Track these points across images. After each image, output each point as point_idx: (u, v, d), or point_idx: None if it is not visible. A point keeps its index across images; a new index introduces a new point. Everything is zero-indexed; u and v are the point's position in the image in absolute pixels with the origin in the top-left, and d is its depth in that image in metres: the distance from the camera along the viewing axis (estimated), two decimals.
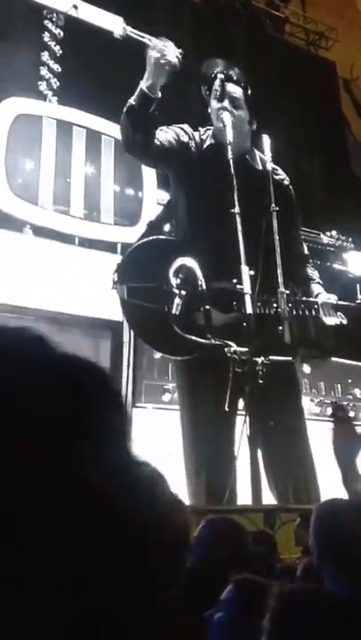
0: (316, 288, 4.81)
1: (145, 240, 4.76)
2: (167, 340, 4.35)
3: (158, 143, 4.47)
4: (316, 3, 8.47)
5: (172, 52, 4.41)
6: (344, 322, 4.58)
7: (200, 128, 4.85)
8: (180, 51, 5.56)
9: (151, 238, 4.76)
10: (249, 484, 4.09)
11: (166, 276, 4.32)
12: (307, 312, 4.51)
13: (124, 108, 4.45)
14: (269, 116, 6.62)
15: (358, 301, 4.73)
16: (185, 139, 4.66)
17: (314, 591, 1.51)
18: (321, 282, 4.92)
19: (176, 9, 7.12)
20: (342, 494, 4.37)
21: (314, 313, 4.55)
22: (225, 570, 1.85)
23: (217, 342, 4.26)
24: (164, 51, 4.35)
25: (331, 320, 4.57)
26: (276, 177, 4.83)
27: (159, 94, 4.36)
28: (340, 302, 4.65)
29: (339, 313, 4.59)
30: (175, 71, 4.39)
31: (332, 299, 4.65)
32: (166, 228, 4.96)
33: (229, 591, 1.72)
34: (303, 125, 7.51)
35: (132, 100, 4.39)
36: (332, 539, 1.81)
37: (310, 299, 4.62)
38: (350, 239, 5.77)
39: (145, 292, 4.34)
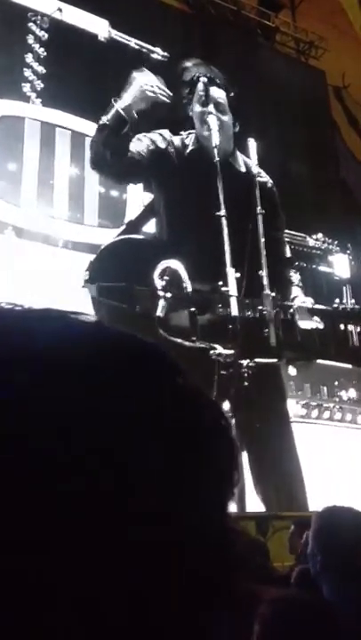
0: (295, 291, 4.81)
1: (117, 239, 4.76)
2: None
3: (129, 158, 4.48)
4: (306, 12, 8.54)
5: (162, 87, 4.45)
6: (320, 326, 4.59)
7: (182, 132, 4.85)
8: (166, 53, 5.60)
9: (123, 237, 4.76)
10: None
11: (148, 276, 4.30)
12: (282, 316, 4.51)
13: (97, 126, 4.47)
14: (260, 124, 6.67)
15: (335, 305, 4.74)
16: (163, 145, 4.66)
17: (305, 599, 1.50)
18: (301, 285, 4.93)
19: (167, 18, 7.14)
20: (329, 495, 4.34)
21: (289, 317, 4.55)
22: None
23: (202, 345, 4.24)
24: (154, 83, 4.40)
25: (306, 324, 4.58)
26: (261, 179, 4.84)
27: (135, 116, 4.37)
28: (316, 306, 4.66)
29: (315, 317, 4.60)
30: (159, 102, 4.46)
31: (308, 302, 4.66)
32: (145, 228, 4.96)
33: None
34: (293, 132, 7.57)
35: (105, 119, 4.40)
36: (336, 547, 1.78)
37: (286, 302, 4.63)
38: (336, 242, 5.79)
39: (116, 291, 4.33)
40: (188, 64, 5.09)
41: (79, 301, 4.53)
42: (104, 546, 0.33)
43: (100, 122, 4.40)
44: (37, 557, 0.32)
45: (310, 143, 7.76)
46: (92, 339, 0.38)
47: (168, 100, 4.55)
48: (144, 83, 4.39)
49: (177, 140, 4.77)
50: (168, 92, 4.50)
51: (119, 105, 4.32)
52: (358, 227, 7.12)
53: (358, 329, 5.18)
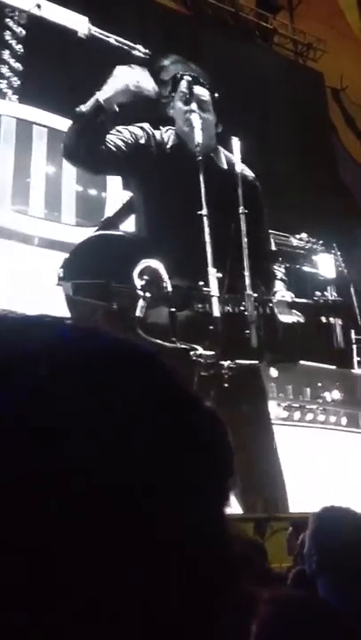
0: (277, 285, 4.75)
1: (92, 235, 4.67)
2: None
3: (106, 148, 4.39)
4: (304, 14, 8.60)
5: (148, 83, 4.38)
6: (301, 320, 4.54)
7: (161, 127, 4.78)
8: (147, 51, 5.52)
9: (99, 233, 4.67)
10: None
11: (126, 274, 4.21)
12: (261, 310, 4.44)
13: (72, 115, 4.38)
14: (258, 126, 6.67)
15: (315, 298, 4.68)
16: (143, 139, 4.58)
17: (304, 598, 1.48)
18: (285, 279, 4.87)
19: (164, 19, 7.13)
20: (313, 498, 4.29)
21: (269, 311, 4.49)
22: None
23: (182, 345, 4.15)
24: (140, 78, 4.33)
25: (286, 318, 4.52)
26: (244, 174, 4.77)
27: (115, 108, 4.29)
28: (296, 300, 4.61)
29: (294, 311, 4.55)
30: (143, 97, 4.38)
31: (288, 296, 4.60)
32: (123, 226, 4.87)
33: None
34: (291, 134, 7.59)
35: (82, 108, 4.32)
36: (332, 547, 1.79)
37: (265, 297, 4.57)
38: (320, 241, 5.78)
39: (92, 288, 4.24)
40: (166, 62, 5.03)
41: (55, 300, 4.43)
42: (104, 546, 0.33)
43: (77, 110, 4.30)
44: (37, 558, 0.32)
45: (308, 144, 7.79)
46: (87, 342, 0.39)
47: (153, 96, 4.47)
48: (129, 76, 4.31)
49: (158, 135, 4.69)
50: (155, 86, 4.41)
51: (100, 95, 4.23)
52: (357, 227, 7.15)
53: (339, 328, 5.14)
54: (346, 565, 1.74)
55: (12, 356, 0.36)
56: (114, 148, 4.42)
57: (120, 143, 4.46)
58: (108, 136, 4.40)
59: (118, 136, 4.46)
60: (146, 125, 4.67)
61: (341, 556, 1.75)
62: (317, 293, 4.77)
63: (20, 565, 0.32)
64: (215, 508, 0.39)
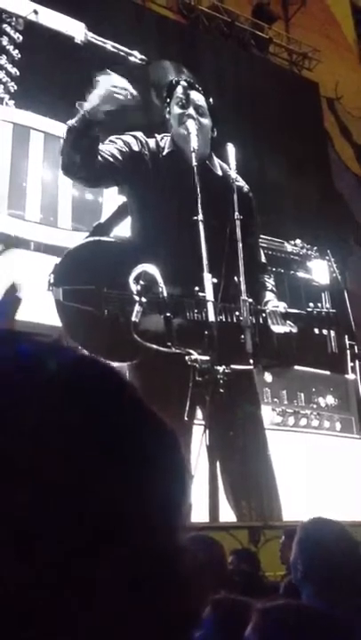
0: (268, 295, 4.77)
1: (84, 241, 4.67)
2: (103, 344, 4.23)
3: (102, 159, 4.40)
4: (299, 24, 8.66)
5: (127, 90, 4.39)
6: (294, 330, 4.55)
7: (156, 135, 4.79)
8: (143, 56, 5.55)
9: (91, 239, 4.68)
10: (207, 498, 3.95)
11: (119, 280, 4.22)
12: (250, 317, 4.46)
13: (65, 130, 4.40)
14: (253, 135, 6.69)
15: (309, 309, 4.70)
16: (137, 148, 4.60)
17: (299, 607, 1.49)
18: (275, 290, 4.89)
19: (160, 28, 7.16)
20: (306, 504, 4.30)
21: (262, 321, 4.50)
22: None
23: (178, 350, 4.15)
24: (119, 84, 4.34)
25: (279, 328, 4.53)
26: (238, 184, 4.80)
27: (101, 116, 4.31)
28: (289, 310, 4.62)
29: (288, 322, 4.56)
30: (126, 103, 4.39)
31: (281, 307, 4.61)
32: (116, 231, 4.88)
33: (207, 611, 1.65)
34: (286, 142, 7.62)
35: (72, 122, 4.33)
36: (317, 558, 1.79)
37: (259, 307, 4.58)
38: (315, 248, 5.79)
39: (82, 294, 4.24)
40: (161, 68, 5.06)
41: (51, 305, 4.44)
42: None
43: (68, 124, 4.33)
44: None
45: (303, 153, 7.83)
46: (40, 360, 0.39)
47: (133, 101, 4.47)
48: (108, 84, 4.32)
49: (152, 143, 4.71)
50: (134, 92, 4.42)
51: (85, 107, 4.25)
52: (351, 236, 7.18)
53: (333, 334, 5.15)
54: (330, 575, 1.74)
55: None
56: (110, 159, 4.43)
57: (115, 152, 4.47)
58: (102, 147, 4.41)
59: (112, 146, 4.48)
60: (139, 134, 4.69)
61: (326, 566, 1.75)
62: (311, 305, 4.79)
63: None
64: (168, 517, 0.39)
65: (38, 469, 0.34)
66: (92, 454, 0.36)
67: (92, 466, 0.36)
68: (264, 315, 4.54)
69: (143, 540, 0.36)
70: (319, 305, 4.82)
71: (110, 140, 4.49)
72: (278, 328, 4.54)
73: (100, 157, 4.39)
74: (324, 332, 4.82)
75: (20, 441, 0.35)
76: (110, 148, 4.46)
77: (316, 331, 4.66)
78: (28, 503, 0.34)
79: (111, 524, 0.35)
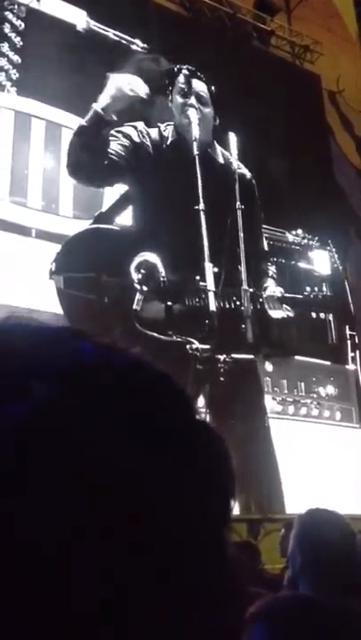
0: (268, 282, 4.77)
1: (85, 229, 4.67)
2: (103, 332, 4.23)
3: (107, 160, 4.40)
4: (302, 16, 8.62)
5: (141, 88, 4.38)
6: (291, 315, 4.56)
7: (160, 124, 4.77)
8: (145, 45, 5.53)
9: (92, 227, 4.67)
10: None
11: (120, 268, 4.22)
12: (251, 306, 4.46)
13: (75, 130, 4.38)
14: (255, 127, 6.67)
15: (306, 294, 4.70)
16: (138, 139, 4.58)
17: (300, 598, 1.48)
18: (275, 277, 4.89)
19: (162, 21, 7.12)
20: (307, 494, 4.31)
21: (259, 307, 4.51)
22: None
23: (179, 339, 4.16)
24: (135, 83, 4.33)
25: (276, 313, 4.54)
26: (240, 172, 4.79)
27: (114, 117, 4.29)
28: (286, 295, 4.63)
29: (285, 306, 4.57)
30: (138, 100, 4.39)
31: (278, 292, 4.62)
32: (118, 220, 4.88)
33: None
34: (287, 135, 7.61)
35: (83, 122, 4.32)
36: (315, 550, 1.78)
37: (256, 292, 4.59)
38: (316, 237, 5.79)
39: (83, 282, 4.24)
40: (163, 59, 5.04)
41: (52, 293, 4.44)
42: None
43: (80, 125, 4.31)
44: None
45: (304, 146, 7.82)
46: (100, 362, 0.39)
47: (146, 97, 4.48)
48: (121, 82, 4.31)
49: (154, 133, 4.69)
50: (146, 89, 4.42)
51: (97, 105, 4.24)
52: (351, 228, 7.18)
53: (333, 322, 5.16)
54: (327, 567, 1.73)
55: (28, 369, 0.36)
56: (115, 157, 4.42)
57: (118, 149, 4.46)
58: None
59: (115, 143, 4.46)
60: (140, 124, 4.66)
61: (323, 559, 1.74)
62: (308, 289, 4.79)
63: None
64: (217, 535, 0.38)
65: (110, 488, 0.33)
66: (162, 470, 0.35)
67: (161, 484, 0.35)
68: (261, 300, 4.54)
69: (197, 577, 0.35)
70: (316, 289, 4.82)
71: (112, 135, 4.48)
72: (276, 313, 4.54)
73: (107, 161, 4.38)
74: (322, 315, 4.84)
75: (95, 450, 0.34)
76: (113, 145, 4.45)
77: (314, 315, 4.67)
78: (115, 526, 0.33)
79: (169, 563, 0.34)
